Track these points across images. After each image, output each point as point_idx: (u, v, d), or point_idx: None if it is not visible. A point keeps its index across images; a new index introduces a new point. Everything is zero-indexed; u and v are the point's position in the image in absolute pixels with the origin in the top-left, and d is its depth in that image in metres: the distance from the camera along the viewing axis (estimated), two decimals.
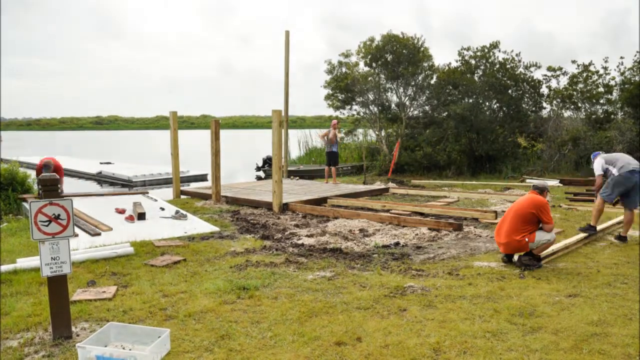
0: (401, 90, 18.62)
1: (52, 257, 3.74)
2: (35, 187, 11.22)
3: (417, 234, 7.68)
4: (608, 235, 7.49)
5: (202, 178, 18.54)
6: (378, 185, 13.66)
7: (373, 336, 3.83)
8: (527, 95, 17.59)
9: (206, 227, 8.24)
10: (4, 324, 4.14)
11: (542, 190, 5.94)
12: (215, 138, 11.08)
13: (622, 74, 15.89)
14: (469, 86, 17.01)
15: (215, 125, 11.10)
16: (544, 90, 17.66)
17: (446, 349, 3.60)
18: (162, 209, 9.62)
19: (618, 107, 16.14)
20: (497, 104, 17.53)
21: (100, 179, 19.23)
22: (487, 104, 17.45)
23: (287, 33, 15.24)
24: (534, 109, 17.72)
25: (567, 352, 3.52)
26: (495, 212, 8.74)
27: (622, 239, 7.05)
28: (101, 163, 22.80)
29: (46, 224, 3.69)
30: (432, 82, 18.31)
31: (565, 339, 3.72)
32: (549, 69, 17.42)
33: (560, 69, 17.24)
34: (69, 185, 17.43)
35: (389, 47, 17.97)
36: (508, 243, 5.73)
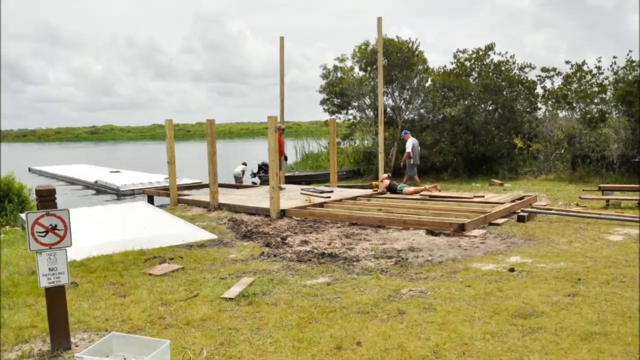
0: (396, 93, 18.66)
1: (49, 268, 3.72)
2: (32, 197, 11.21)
3: (415, 237, 7.69)
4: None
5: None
6: (375, 189, 13.66)
7: (373, 340, 3.82)
8: (521, 96, 17.66)
9: (204, 235, 8.23)
10: (3, 335, 4.12)
11: None
12: (212, 140, 11.08)
13: (615, 73, 15.96)
14: (464, 88, 17.07)
15: (211, 126, 11.12)
16: (539, 90, 17.75)
17: (446, 351, 3.60)
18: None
19: (612, 106, 16.20)
20: (493, 106, 17.59)
21: (97, 188, 19.47)
22: (482, 105, 17.51)
23: (282, 39, 15.27)
24: (529, 109, 17.79)
25: (567, 351, 3.52)
26: (485, 216, 8.76)
27: None
28: (111, 172, 23.03)
29: (43, 234, 3.68)
30: (427, 85, 18.36)
31: (564, 339, 3.72)
32: (543, 69, 17.51)
33: (554, 69, 17.33)
34: (65, 195, 17.60)
35: (383, 50, 18.01)
36: None
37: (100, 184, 19.47)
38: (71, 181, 22.21)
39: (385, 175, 12.78)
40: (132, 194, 17.28)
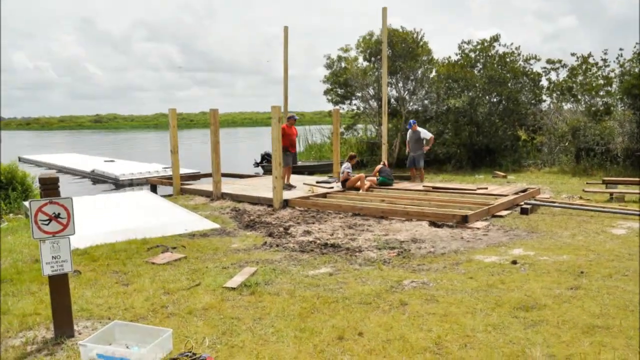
0: (400, 84, 18.57)
1: (52, 256, 3.74)
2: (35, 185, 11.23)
3: (417, 228, 7.68)
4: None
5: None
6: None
7: (375, 331, 3.83)
8: (526, 88, 17.55)
9: (207, 224, 8.24)
10: (6, 322, 4.15)
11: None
12: (215, 129, 11.06)
13: (621, 65, 15.83)
14: (468, 80, 16.97)
15: (214, 115, 11.09)
16: (544, 82, 17.64)
17: (448, 342, 3.60)
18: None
19: (618, 99, 16.08)
20: (497, 97, 17.49)
21: (94, 177, 19.32)
22: (486, 97, 17.42)
23: (286, 29, 15.18)
24: (533, 101, 17.69)
25: (569, 344, 3.53)
26: (488, 208, 8.74)
27: None
28: (105, 161, 22.85)
29: (46, 222, 3.69)
30: (432, 76, 18.26)
31: (566, 332, 3.72)
32: (548, 61, 17.38)
33: (560, 61, 17.20)
34: (63, 185, 17.47)
35: (388, 41, 17.90)
36: None
37: (98, 173, 19.19)
38: (66, 171, 21.63)
39: (382, 164, 12.69)
40: (130, 183, 17.20)
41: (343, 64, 19.51)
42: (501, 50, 17.50)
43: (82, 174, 20.34)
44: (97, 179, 18.97)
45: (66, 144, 45.24)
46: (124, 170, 18.48)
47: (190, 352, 3.49)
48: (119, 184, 17.09)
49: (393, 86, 18.57)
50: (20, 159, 26.19)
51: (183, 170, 16.91)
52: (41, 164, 24.70)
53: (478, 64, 17.81)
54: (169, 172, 17.09)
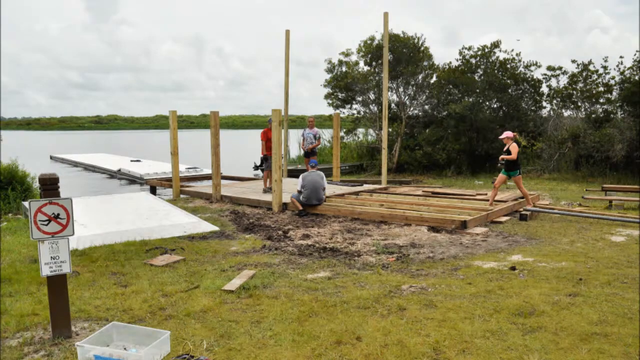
0: (401, 89, 18.60)
1: (51, 257, 3.73)
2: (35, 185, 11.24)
3: (416, 233, 7.68)
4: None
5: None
6: (378, 184, 13.64)
7: (373, 335, 3.83)
8: (527, 94, 17.58)
9: (206, 227, 8.24)
10: (4, 323, 4.14)
11: None
12: (215, 131, 11.07)
13: (621, 73, 15.86)
14: (469, 85, 17.00)
15: (214, 117, 11.10)
16: (544, 89, 17.67)
17: (446, 348, 3.60)
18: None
19: (618, 106, 16.10)
20: (497, 103, 17.52)
21: (120, 176, 19.92)
22: (487, 103, 17.44)
23: (288, 32, 15.22)
24: (533, 108, 17.71)
25: (567, 351, 3.52)
26: (487, 214, 8.74)
27: None
28: (132, 161, 23.47)
29: (45, 223, 3.69)
30: (432, 81, 18.30)
31: (565, 339, 3.72)
32: (549, 68, 17.41)
33: (560, 68, 17.23)
34: (91, 182, 18.07)
35: (389, 46, 17.92)
36: None
37: (124, 172, 19.87)
38: (94, 169, 22.67)
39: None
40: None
41: (344, 68, 19.54)
42: (502, 56, 17.56)
43: (109, 173, 21.04)
44: (123, 177, 19.54)
45: (89, 143, 45.81)
46: (149, 169, 18.99)
47: (188, 354, 3.48)
48: (143, 183, 17.48)
49: (394, 91, 18.60)
50: (51, 157, 28.25)
51: (183, 167, 17.18)
52: (73, 163, 25.81)
53: (479, 70, 17.85)
54: (192, 173, 17.86)
